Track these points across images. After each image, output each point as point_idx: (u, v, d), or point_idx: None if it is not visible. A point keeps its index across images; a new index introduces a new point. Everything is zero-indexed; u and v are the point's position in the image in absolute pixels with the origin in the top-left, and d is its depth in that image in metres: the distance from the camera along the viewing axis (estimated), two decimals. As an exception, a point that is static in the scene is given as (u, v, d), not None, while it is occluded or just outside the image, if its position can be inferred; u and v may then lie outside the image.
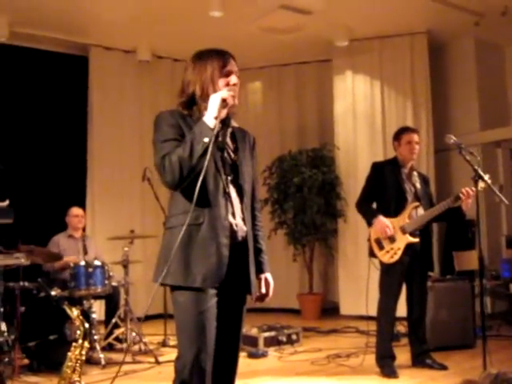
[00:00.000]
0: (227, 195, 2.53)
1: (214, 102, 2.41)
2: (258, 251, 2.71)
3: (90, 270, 5.30)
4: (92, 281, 5.29)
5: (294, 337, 5.88)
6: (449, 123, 8.01)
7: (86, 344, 2.05)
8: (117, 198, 7.76)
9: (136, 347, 5.65)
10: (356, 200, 4.99)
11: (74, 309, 2.08)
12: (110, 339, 5.61)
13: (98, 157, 7.74)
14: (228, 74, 2.55)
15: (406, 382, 4.44)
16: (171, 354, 5.50)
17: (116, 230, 6.81)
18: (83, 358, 2.05)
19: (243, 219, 2.57)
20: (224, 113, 2.43)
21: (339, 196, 7.70)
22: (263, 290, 2.71)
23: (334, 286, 8.15)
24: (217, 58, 2.57)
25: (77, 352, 2.05)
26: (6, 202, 4.02)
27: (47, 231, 6.27)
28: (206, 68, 2.55)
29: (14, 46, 7.23)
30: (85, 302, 5.27)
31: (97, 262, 5.39)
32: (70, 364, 2.04)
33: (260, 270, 2.71)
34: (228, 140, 2.61)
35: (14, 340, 4.59)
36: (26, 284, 5.27)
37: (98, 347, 5.18)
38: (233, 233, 2.51)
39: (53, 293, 2.09)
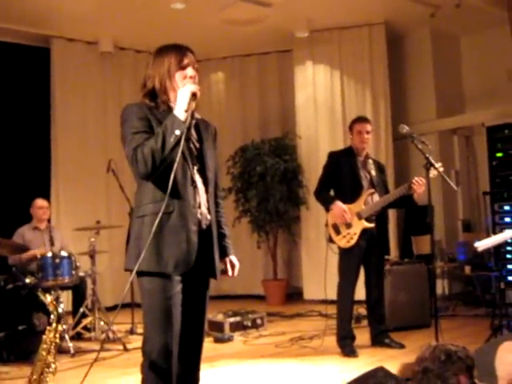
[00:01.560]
0: (194, 184, 2.67)
1: (183, 95, 2.52)
2: (222, 236, 2.86)
3: (57, 260, 5.37)
4: (59, 271, 5.37)
5: (258, 321, 6.06)
6: (407, 112, 8.26)
7: (60, 327, 2.17)
8: (81, 190, 7.81)
9: (103, 335, 5.75)
10: (314, 189, 5.16)
11: (47, 294, 2.20)
12: (79, 328, 5.70)
13: (62, 148, 7.77)
14: (185, 67, 2.67)
15: (365, 361, 4.65)
16: (139, 342, 5.56)
17: (81, 220, 6.91)
18: (57, 340, 2.18)
19: (208, 208, 2.71)
20: (193, 106, 2.55)
21: (301, 184, 7.88)
22: (229, 273, 2.86)
23: (297, 272, 8.35)
24: (174, 52, 2.70)
25: (51, 335, 2.17)
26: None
27: (11, 223, 6.29)
28: (164, 62, 2.67)
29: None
30: (52, 292, 5.34)
31: (63, 253, 5.47)
32: (45, 346, 2.16)
33: (225, 253, 2.86)
34: (192, 131, 2.74)
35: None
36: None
37: (66, 337, 5.28)
38: (198, 221, 2.65)
39: (27, 280, 2.18)
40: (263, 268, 8.47)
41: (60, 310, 2.18)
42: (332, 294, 7.47)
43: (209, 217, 2.72)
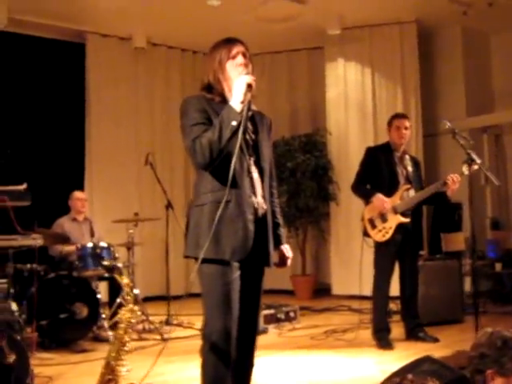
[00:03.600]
0: (251, 175, 2.76)
1: (238, 86, 2.61)
2: (277, 225, 2.95)
3: (98, 251, 5.51)
4: (100, 262, 5.50)
5: (291, 314, 6.15)
6: (437, 109, 8.29)
7: (136, 308, 2.28)
8: (114, 182, 7.94)
9: (140, 326, 5.86)
10: (351, 183, 5.23)
11: (123, 277, 2.30)
12: (116, 318, 5.80)
13: (96, 142, 7.91)
14: (234, 56, 2.75)
15: (400, 354, 4.72)
16: (175, 332, 5.75)
17: (113, 213, 7.05)
18: (133, 320, 2.28)
19: (263, 197, 2.81)
20: (249, 97, 2.63)
21: (331, 180, 7.95)
22: (284, 260, 2.96)
23: (325, 268, 8.43)
24: (223, 44, 2.80)
25: (127, 315, 2.27)
26: (24, 186, 4.20)
27: (48, 215, 6.41)
28: (215, 56, 2.78)
29: (13, 33, 7.35)
30: (93, 283, 5.48)
31: (103, 244, 5.59)
32: (122, 326, 2.26)
33: (279, 242, 2.95)
34: (248, 122, 2.82)
35: (30, 318, 4.77)
36: (34, 266, 5.50)
37: (105, 325, 5.42)
38: (254, 210, 2.75)
39: (105, 263, 2.28)
40: (292, 263, 8.51)
41: (136, 291, 2.27)
42: (364, 290, 7.60)
43: (264, 206, 2.81)
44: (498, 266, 7.10)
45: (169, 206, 6.11)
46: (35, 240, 4.33)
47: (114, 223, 6.15)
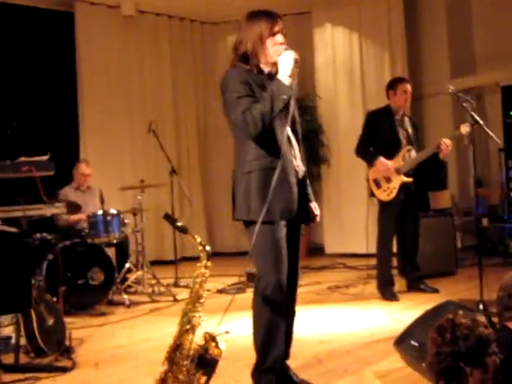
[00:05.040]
0: (290, 141, 2.97)
1: (286, 61, 2.78)
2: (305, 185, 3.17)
3: (109, 218, 5.67)
4: (110, 228, 5.68)
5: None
6: (422, 73, 8.52)
7: (209, 263, 2.47)
8: (106, 151, 8.02)
9: (149, 289, 6.06)
10: (355, 147, 5.45)
11: (196, 236, 2.49)
12: (129, 282, 5.99)
13: (89, 110, 7.95)
14: (275, 34, 2.92)
15: (406, 304, 5.05)
16: (185, 293, 5.94)
17: (112, 180, 7.20)
18: (207, 275, 2.47)
19: (301, 160, 3.04)
20: (296, 71, 2.81)
21: (322, 143, 8.18)
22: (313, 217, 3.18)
23: (317, 228, 8.69)
24: (265, 18, 2.94)
25: (202, 270, 2.46)
26: (47, 156, 4.30)
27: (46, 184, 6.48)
28: (256, 28, 2.92)
29: (2, 3, 7.29)
30: (106, 249, 5.65)
31: (113, 211, 5.75)
32: (197, 280, 2.44)
33: (308, 200, 3.16)
34: None
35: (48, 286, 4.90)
36: (44, 234, 5.65)
37: (121, 289, 5.62)
38: (296, 173, 2.97)
39: (179, 224, 2.44)
40: (284, 224, 8.78)
41: (208, 249, 2.47)
42: (353, 247, 7.92)
43: (303, 168, 3.04)
44: (485, 222, 7.46)
45: (173, 171, 6.28)
46: (59, 209, 4.45)
47: (114, 190, 6.31)
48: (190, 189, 8.21)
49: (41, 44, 7.67)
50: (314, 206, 3.21)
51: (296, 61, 2.79)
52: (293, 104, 2.82)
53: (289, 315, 3.10)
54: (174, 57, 8.74)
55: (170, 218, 2.53)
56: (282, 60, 2.81)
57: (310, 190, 3.21)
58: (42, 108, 7.62)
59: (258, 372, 2.92)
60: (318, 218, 3.24)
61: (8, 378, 3.56)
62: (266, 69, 2.96)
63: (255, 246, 2.87)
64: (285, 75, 2.78)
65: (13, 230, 1.86)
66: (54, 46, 7.81)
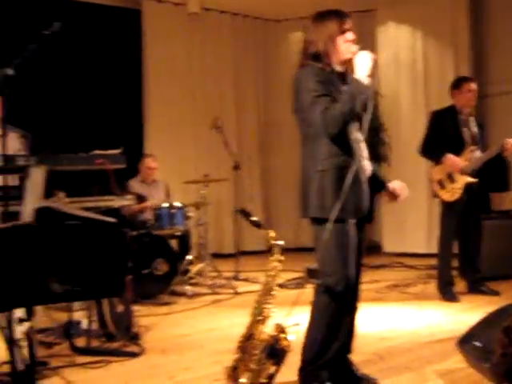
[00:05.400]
0: (359, 140, 3.03)
1: (364, 61, 2.84)
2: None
3: (173, 211, 5.85)
4: (175, 221, 5.85)
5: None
6: (487, 71, 8.38)
7: (282, 258, 2.56)
8: (171, 146, 8.23)
9: (210, 281, 6.21)
10: (419, 147, 5.43)
11: (269, 231, 2.58)
12: (192, 274, 6.16)
13: (154, 106, 8.18)
14: (345, 32, 2.97)
15: (466, 305, 5.03)
16: (244, 287, 6.09)
17: (176, 174, 7.39)
18: (279, 268, 2.57)
19: (367, 159, 3.09)
20: (374, 71, 2.86)
21: (383, 141, 8.16)
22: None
23: (375, 226, 8.69)
24: (335, 17, 2.99)
25: (274, 264, 2.56)
26: (120, 150, 4.47)
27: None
28: (326, 27, 2.97)
29: (71, 1, 7.53)
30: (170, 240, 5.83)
31: (178, 204, 5.93)
32: (270, 273, 2.55)
33: (382, 186, 3.22)
34: None
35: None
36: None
37: (183, 280, 5.80)
38: (365, 172, 3.03)
39: (253, 218, 2.55)
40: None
41: (280, 243, 2.57)
42: (412, 247, 7.89)
43: (370, 168, 3.09)
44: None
45: (236, 167, 6.42)
46: (129, 200, 4.63)
47: (177, 184, 6.49)
48: (250, 184, 8.35)
49: (108, 41, 7.89)
50: (391, 184, 3.24)
51: (374, 61, 2.84)
52: (371, 104, 2.86)
53: (352, 311, 3.18)
54: (236, 54, 8.88)
55: (244, 213, 2.63)
56: (360, 59, 2.86)
57: (382, 174, 3.27)
58: (109, 103, 7.86)
59: (316, 366, 2.95)
60: (402, 195, 3.25)
61: (80, 359, 3.76)
62: (338, 67, 3.01)
63: (326, 243, 2.90)
64: (363, 75, 2.83)
65: (111, 219, 1.99)
66: (121, 43, 8.03)
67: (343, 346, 3.10)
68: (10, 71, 2.21)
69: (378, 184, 3.20)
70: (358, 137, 3.04)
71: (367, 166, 3.08)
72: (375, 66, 2.85)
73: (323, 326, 2.95)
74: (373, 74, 2.84)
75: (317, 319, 2.99)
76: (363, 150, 3.06)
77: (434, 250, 5.51)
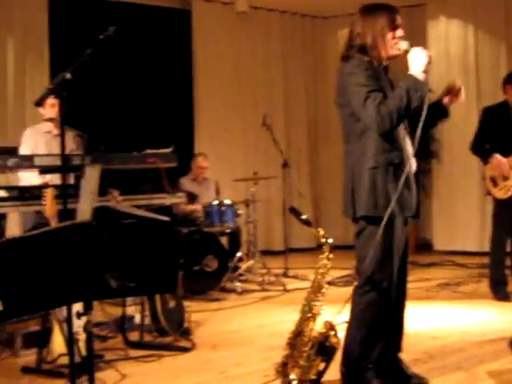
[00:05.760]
0: (406, 136, 3.01)
1: (419, 57, 2.81)
2: None
3: (223, 208, 5.93)
4: (225, 218, 5.93)
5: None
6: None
7: (331, 256, 2.59)
8: (221, 144, 8.32)
9: (260, 278, 6.26)
10: (470, 143, 5.35)
11: (319, 229, 2.61)
12: (241, 271, 6.23)
13: (203, 105, 8.27)
14: (396, 28, 2.95)
15: (518, 305, 4.94)
16: (294, 283, 6.12)
17: (225, 172, 7.48)
18: (329, 266, 2.59)
19: (413, 156, 3.04)
20: (429, 68, 2.83)
21: (433, 138, 8.05)
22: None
23: (426, 224, 8.59)
24: (386, 12, 2.97)
25: (324, 261, 2.58)
26: (171, 148, 4.57)
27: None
28: (376, 21, 2.95)
29: (118, 2, 7.65)
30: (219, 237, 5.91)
31: (228, 201, 6.00)
32: (320, 271, 2.57)
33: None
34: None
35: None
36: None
37: (233, 276, 5.87)
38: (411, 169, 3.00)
39: (303, 217, 2.59)
40: (392, 219, 8.75)
41: (330, 241, 2.59)
42: (464, 245, 7.76)
43: (415, 164, 3.05)
44: None
45: (285, 164, 6.46)
46: (180, 198, 4.73)
47: (226, 182, 6.57)
48: (299, 182, 8.36)
49: (160, 41, 8.00)
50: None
51: (429, 57, 2.81)
52: (427, 101, 2.81)
53: (399, 309, 3.15)
54: (285, 51, 8.89)
55: (295, 211, 2.66)
56: (414, 56, 2.82)
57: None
58: (160, 103, 7.98)
59: (360, 368, 2.92)
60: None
61: (134, 353, 3.88)
62: (383, 62, 2.99)
63: (374, 241, 2.88)
64: (418, 71, 2.80)
65: (165, 218, 2.05)
66: (171, 43, 8.15)
67: (392, 344, 3.10)
68: (67, 75, 2.29)
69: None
70: (404, 133, 3.02)
71: (413, 162, 3.05)
72: (430, 62, 2.82)
73: (364, 327, 2.92)
74: (427, 71, 2.82)
75: (357, 320, 2.95)
76: (409, 147, 3.04)
77: (487, 248, 5.42)
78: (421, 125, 2.77)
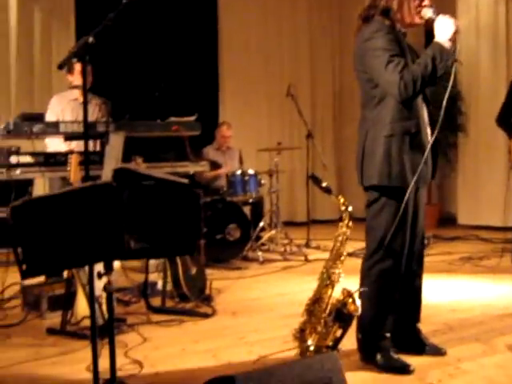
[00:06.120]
0: (423, 106, 2.96)
1: (445, 25, 2.74)
2: None
3: (246, 178, 5.95)
4: (248, 187, 5.96)
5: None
6: None
7: (351, 224, 2.59)
8: (245, 114, 8.31)
9: (282, 248, 6.30)
10: (496, 116, 5.28)
11: (339, 196, 2.60)
12: (263, 240, 6.27)
13: (228, 73, 8.31)
14: None
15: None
16: (316, 254, 6.14)
17: (250, 142, 7.48)
18: (348, 234, 2.59)
19: (428, 124, 2.99)
20: (455, 38, 2.76)
21: (460, 111, 7.93)
22: None
23: (450, 197, 8.52)
24: None
25: (343, 229, 2.59)
26: (194, 117, 4.59)
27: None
28: None
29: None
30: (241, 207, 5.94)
31: (251, 171, 6.02)
32: (339, 238, 2.57)
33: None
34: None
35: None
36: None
37: (255, 246, 5.91)
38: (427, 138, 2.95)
39: (324, 184, 2.58)
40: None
41: (350, 209, 2.59)
42: (488, 219, 7.68)
43: (429, 132, 2.98)
44: None
45: (309, 135, 6.44)
46: (203, 167, 4.76)
47: (251, 151, 6.57)
48: (323, 152, 8.33)
49: (185, 9, 7.97)
50: None
51: (457, 26, 2.74)
52: (453, 70, 2.75)
53: (417, 280, 3.15)
54: (311, 21, 8.81)
55: (315, 179, 2.66)
56: (441, 24, 2.76)
57: None
58: (185, 72, 7.97)
59: (377, 337, 2.93)
60: None
61: (156, 318, 3.95)
62: (403, 28, 2.93)
63: (385, 212, 2.88)
64: (445, 39, 2.74)
65: (184, 180, 2.07)
66: (196, 11, 8.10)
67: (410, 315, 3.10)
68: (90, 39, 2.31)
69: None
70: (421, 102, 2.95)
71: (428, 132, 2.97)
72: (457, 32, 2.74)
73: (375, 298, 2.89)
74: (454, 40, 2.76)
75: (368, 291, 2.89)
76: (426, 115, 2.98)
77: (511, 223, 5.36)
78: (447, 96, 2.70)
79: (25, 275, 1.86)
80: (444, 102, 2.71)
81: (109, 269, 2.04)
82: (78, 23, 7.19)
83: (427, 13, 2.85)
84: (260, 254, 5.85)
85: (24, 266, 1.83)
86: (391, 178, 2.84)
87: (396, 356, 2.93)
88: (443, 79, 8.12)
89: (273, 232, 6.27)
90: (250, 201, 6.26)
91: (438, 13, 2.83)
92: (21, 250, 1.85)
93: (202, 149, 6.61)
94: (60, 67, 2.32)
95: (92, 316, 2.38)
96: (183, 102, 7.46)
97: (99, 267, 2.09)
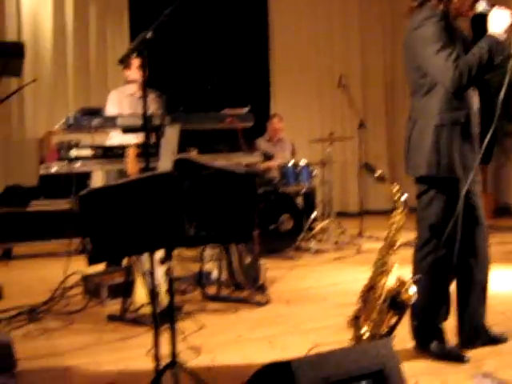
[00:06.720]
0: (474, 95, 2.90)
1: (501, 18, 2.69)
2: None
3: (298, 169, 5.98)
4: (300, 178, 5.99)
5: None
6: None
7: (405, 212, 2.58)
8: (296, 105, 8.33)
9: (334, 239, 6.31)
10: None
11: (393, 185, 2.60)
12: (315, 231, 6.29)
13: (280, 65, 8.37)
14: None
15: None
16: (369, 244, 6.14)
17: (301, 133, 7.50)
18: (402, 222, 2.59)
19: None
20: (509, 29, 2.71)
21: (517, 100, 7.74)
22: None
23: (506, 187, 8.35)
24: None
25: (398, 218, 2.59)
26: (247, 108, 4.64)
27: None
28: None
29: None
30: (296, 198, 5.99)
31: (303, 162, 6.04)
32: (394, 226, 2.58)
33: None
34: None
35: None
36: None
37: (308, 236, 5.95)
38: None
39: (378, 173, 2.59)
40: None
41: (404, 198, 2.59)
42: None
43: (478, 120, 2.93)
44: None
45: (361, 125, 6.42)
46: (256, 158, 4.81)
47: (302, 142, 6.59)
48: (375, 143, 8.29)
49: (236, 5, 8.04)
50: None
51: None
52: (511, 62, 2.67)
53: (484, 270, 3.11)
54: (362, 11, 8.75)
55: (369, 167, 2.67)
56: (496, 16, 2.71)
57: None
58: (237, 65, 8.05)
59: (433, 326, 2.93)
60: None
61: (211, 306, 4.05)
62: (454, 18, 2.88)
63: (435, 202, 2.87)
64: (500, 32, 2.69)
65: (242, 170, 2.14)
66: (247, 8, 8.17)
67: (475, 311, 3.06)
68: (148, 34, 2.38)
69: None
70: (472, 91, 2.90)
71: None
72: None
73: (427, 289, 2.86)
74: (510, 33, 2.72)
75: (420, 282, 2.83)
76: (476, 105, 2.93)
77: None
78: (504, 89, 2.65)
79: (91, 261, 1.96)
80: (501, 94, 2.65)
81: (169, 256, 2.12)
82: (132, 19, 7.35)
83: (479, 6, 2.80)
84: (313, 244, 5.88)
85: (90, 253, 1.92)
86: (440, 168, 2.83)
87: (451, 345, 2.92)
88: (503, 66, 8.02)
89: (325, 222, 6.29)
90: (303, 192, 6.28)
91: (492, 5, 2.79)
92: (87, 237, 1.95)
93: (255, 140, 6.66)
94: (120, 62, 2.41)
95: (153, 301, 2.47)
96: (235, 95, 7.54)
97: (160, 254, 2.17)
